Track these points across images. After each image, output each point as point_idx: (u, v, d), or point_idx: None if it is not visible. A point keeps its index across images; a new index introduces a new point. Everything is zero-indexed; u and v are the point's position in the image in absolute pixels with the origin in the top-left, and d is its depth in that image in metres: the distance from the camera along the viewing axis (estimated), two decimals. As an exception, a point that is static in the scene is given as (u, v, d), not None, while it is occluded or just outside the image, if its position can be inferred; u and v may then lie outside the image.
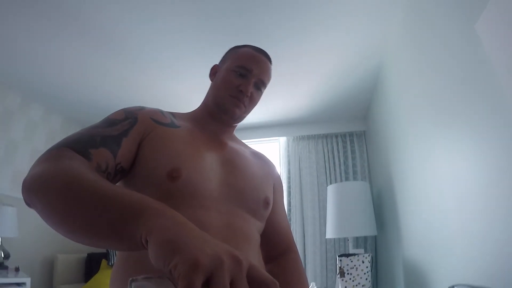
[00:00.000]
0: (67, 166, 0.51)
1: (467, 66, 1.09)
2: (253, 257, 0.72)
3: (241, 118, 0.85)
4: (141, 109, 0.76)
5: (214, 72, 0.89)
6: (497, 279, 0.93)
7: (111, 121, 0.69)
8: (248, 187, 0.77)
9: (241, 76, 0.80)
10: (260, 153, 0.96)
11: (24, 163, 3.02)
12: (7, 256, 2.83)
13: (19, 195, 3.10)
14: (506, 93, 0.84)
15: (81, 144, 0.59)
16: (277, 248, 0.90)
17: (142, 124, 0.71)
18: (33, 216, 3.38)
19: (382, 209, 2.81)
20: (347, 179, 3.39)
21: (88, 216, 0.44)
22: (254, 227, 0.77)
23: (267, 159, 0.96)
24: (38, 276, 3.37)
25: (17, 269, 2.85)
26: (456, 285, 0.78)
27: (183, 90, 2.96)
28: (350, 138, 3.49)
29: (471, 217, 1.13)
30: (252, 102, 0.84)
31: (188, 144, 0.72)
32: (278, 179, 0.95)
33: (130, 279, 0.34)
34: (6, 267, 2.79)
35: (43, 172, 0.51)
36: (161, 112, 0.80)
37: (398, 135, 2.13)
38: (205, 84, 0.88)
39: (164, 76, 2.73)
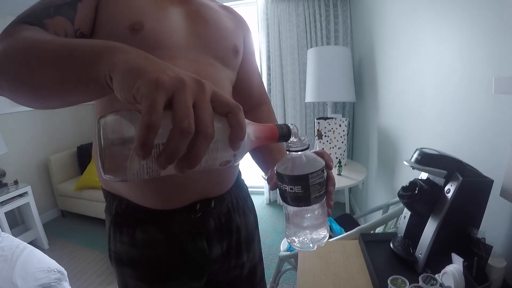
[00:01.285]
0: (25, 36, 0.49)
1: None
2: None
3: None
4: None
5: None
6: (459, 151, 1.09)
7: None
8: (216, 35, 0.75)
9: None
10: (229, 7, 0.91)
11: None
12: (2, 174, 2.90)
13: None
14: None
15: (34, 17, 0.57)
16: (250, 100, 0.92)
17: None
18: (17, 128, 3.34)
19: (362, 76, 2.84)
20: (328, 44, 3.28)
21: (53, 71, 0.43)
22: (225, 75, 0.78)
23: (237, 12, 0.92)
24: (37, 182, 3.51)
25: (16, 182, 2.96)
26: (423, 148, 0.92)
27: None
28: (334, 1, 3.19)
29: (447, 99, 1.20)
30: None
31: None
32: (248, 31, 0.92)
33: (98, 117, 0.34)
34: (5, 184, 2.89)
35: (0, 50, 0.48)
36: None
37: (385, 3, 2.01)
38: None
39: None
